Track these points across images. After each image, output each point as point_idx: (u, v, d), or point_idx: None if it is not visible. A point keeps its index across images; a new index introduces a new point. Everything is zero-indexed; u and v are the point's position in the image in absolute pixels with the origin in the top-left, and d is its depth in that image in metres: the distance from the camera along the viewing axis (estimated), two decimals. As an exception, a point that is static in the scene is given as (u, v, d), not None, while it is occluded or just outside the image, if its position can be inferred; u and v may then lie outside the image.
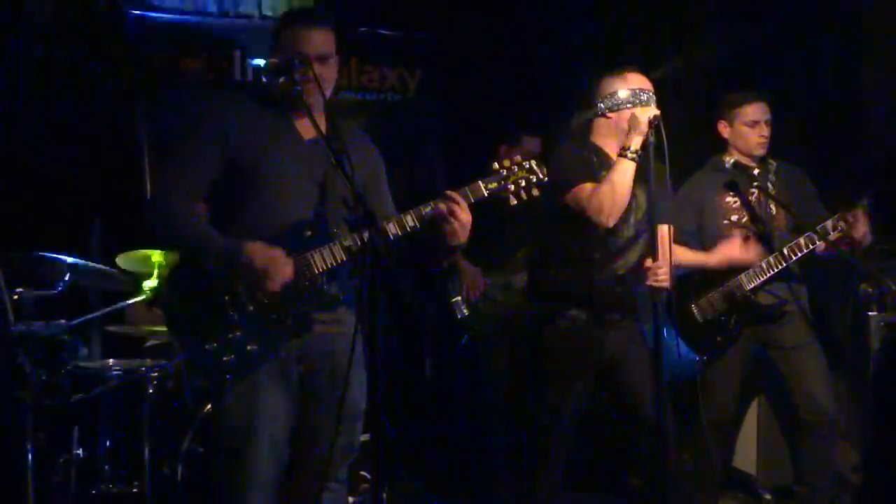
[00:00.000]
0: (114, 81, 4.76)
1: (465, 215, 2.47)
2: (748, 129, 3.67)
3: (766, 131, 3.67)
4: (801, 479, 3.73)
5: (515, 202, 2.56)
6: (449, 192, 2.49)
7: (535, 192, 2.56)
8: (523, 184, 2.55)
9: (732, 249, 3.52)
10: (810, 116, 4.61)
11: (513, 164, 2.56)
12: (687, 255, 3.53)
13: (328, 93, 2.56)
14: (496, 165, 2.57)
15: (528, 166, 2.56)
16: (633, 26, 5.11)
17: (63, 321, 3.59)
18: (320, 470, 2.50)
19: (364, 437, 2.66)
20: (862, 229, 3.41)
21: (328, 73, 2.54)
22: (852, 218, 3.40)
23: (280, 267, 2.40)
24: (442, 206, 2.46)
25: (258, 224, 2.47)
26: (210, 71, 4.99)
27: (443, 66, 5.37)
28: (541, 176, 2.56)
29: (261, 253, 2.39)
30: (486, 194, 2.52)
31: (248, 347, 2.43)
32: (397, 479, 3.69)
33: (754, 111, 3.66)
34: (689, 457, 3.20)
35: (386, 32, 5.33)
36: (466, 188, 2.52)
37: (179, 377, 3.80)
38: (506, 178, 2.54)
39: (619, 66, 3.16)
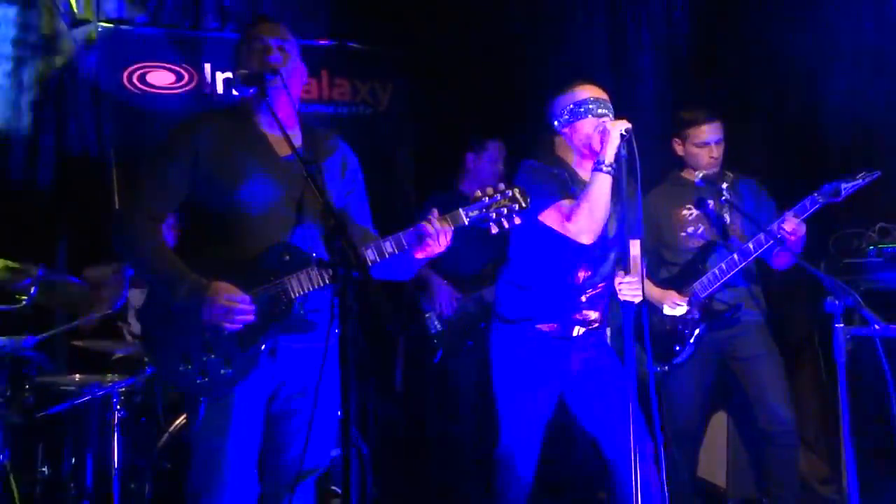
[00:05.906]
0: (82, 95, 4.71)
1: (445, 243, 2.47)
2: (699, 150, 3.72)
3: (715, 152, 3.71)
4: (767, 491, 3.75)
5: (496, 231, 2.52)
6: (430, 224, 2.46)
7: (517, 220, 2.52)
8: (505, 212, 2.51)
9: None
10: (771, 122, 4.67)
11: (495, 191, 2.52)
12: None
13: (296, 101, 2.55)
14: (478, 193, 2.53)
15: (510, 194, 2.51)
16: (598, 37, 5.16)
17: (28, 336, 3.53)
18: (288, 484, 2.49)
19: (334, 453, 2.64)
20: (799, 230, 3.38)
21: (294, 84, 2.55)
22: (789, 221, 3.38)
23: (242, 310, 2.38)
24: (427, 229, 2.45)
25: (235, 248, 2.45)
26: (180, 84, 4.95)
27: (414, 79, 5.38)
28: (523, 204, 2.51)
29: (224, 295, 2.37)
30: (466, 223, 2.50)
31: (222, 371, 2.41)
32: (368, 494, 3.66)
33: (705, 132, 3.70)
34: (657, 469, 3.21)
35: (357, 46, 5.33)
36: (447, 216, 2.49)
37: (147, 392, 3.75)
38: (487, 207, 2.51)
39: (569, 81, 3.17)
